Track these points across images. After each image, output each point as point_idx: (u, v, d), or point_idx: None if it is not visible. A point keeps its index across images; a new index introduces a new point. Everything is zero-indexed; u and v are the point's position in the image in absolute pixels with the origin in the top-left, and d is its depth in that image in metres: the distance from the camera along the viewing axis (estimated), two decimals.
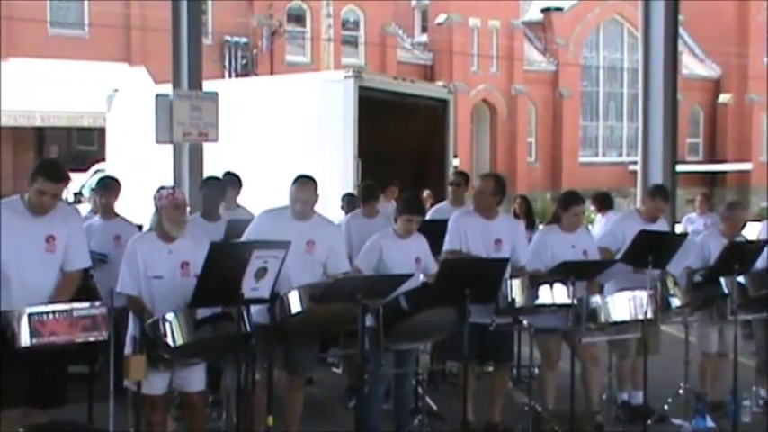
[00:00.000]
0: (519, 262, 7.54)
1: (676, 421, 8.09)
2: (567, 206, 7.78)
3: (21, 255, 5.74)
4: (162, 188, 6.34)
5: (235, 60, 34.18)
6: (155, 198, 6.24)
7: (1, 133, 28.95)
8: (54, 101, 28.07)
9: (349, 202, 10.47)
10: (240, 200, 9.24)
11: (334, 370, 9.77)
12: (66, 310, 5.49)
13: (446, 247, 7.65)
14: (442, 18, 40.85)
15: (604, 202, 12.95)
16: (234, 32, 34.08)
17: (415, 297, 6.76)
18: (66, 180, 5.99)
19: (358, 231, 8.66)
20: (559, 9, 44.85)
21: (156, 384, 6.07)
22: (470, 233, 7.50)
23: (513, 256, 7.46)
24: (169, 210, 6.16)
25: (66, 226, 5.96)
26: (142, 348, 5.81)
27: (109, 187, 8.79)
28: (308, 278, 6.58)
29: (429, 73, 40.22)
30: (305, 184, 6.78)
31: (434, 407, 8.08)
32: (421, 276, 7.22)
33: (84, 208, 10.92)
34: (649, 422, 7.77)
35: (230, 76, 32.59)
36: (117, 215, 8.63)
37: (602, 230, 10.80)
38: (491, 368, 8.10)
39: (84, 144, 31.10)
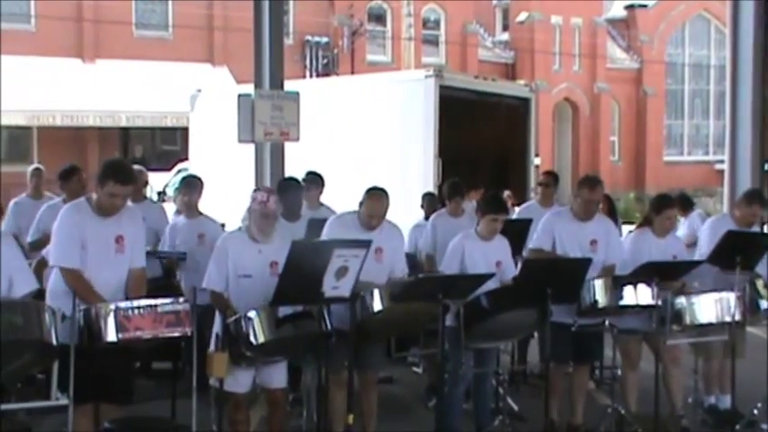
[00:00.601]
0: (610, 261, 7.45)
1: (766, 426, 7.89)
2: (660, 209, 7.60)
3: (93, 256, 5.84)
4: (258, 190, 6.36)
5: (316, 60, 34.36)
6: (251, 197, 6.29)
7: (88, 133, 29.55)
8: (139, 101, 28.53)
9: (429, 202, 10.42)
10: (323, 199, 9.28)
11: (415, 369, 9.74)
12: (150, 306, 5.55)
13: (532, 245, 7.57)
14: (523, 16, 40.57)
15: (685, 204, 12.71)
16: (315, 32, 34.26)
17: (496, 297, 6.70)
18: (135, 180, 6.06)
19: (443, 231, 8.62)
20: (644, 5, 44.25)
21: (239, 382, 6.12)
22: (565, 235, 7.37)
23: (605, 256, 7.38)
24: (258, 216, 6.22)
25: (132, 225, 6.07)
26: (224, 346, 5.86)
27: (192, 186, 8.87)
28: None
29: (510, 71, 39.99)
30: (377, 198, 6.75)
31: (515, 407, 8.02)
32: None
33: (170, 207, 11.05)
34: (738, 427, 7.61)
35: (311, 76, 32.76)
36: (201, 213, 8.72)
37: (686, 231, 10.62)
38: (570, 369, 7.99)
39: (167, 144, 31.56)
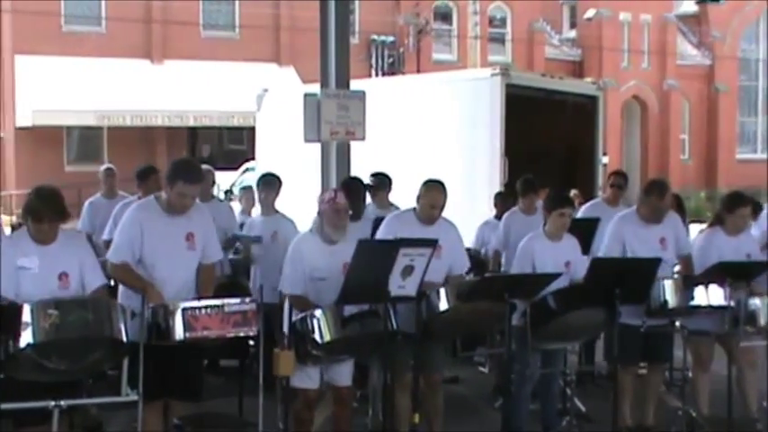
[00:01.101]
0: (683, 252, 7.36)
1: None
2: (733, 208, 7.45)
3: (165, 254, 5.92)
4: (324, 191, 6.39)
5: (381, 59, 34.41)
6: (318, 201, 6.31)
7: (156, 133, 29.93)
8: (206, 101, 28.83)
9: (502, 200, 10.34)
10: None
11: (481, 369, 9.70)
12: (217, 306, 5.60)
13: (602, 253, 7.43)
14: (591, 13, 40.21)
15: (755, 206, 12.40)
16: (381, 31, 34.32)
17: (564, 297, 6.64)
18: (204, 180, 6.13)
19: (516, 228, 8.58)
20: (716, 0, 43.53)
21: (305, 380, 6.15)
22: (634, 239, 7.22)
23: (676, 250, 7.29)
24: (330, 214, 6.23)
25: (201, 222, 6.14)
26: (291, 344, 5.88)
27: (270, 184, 8.94)
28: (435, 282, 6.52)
29: (578, 69, 39.65)
30: (434, 189, 6.73)
31: (583, 408, 7.94)
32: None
33: (237, 206, 11.14)
34: None
35: (377, 75, 32.82)
36: (277, 211, 8.77)
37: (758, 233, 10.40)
38: (643, 370, 7.87)
39: (234, 143, 31.84)
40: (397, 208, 8.85)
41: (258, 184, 9.07)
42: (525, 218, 8.91)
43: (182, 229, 5.98)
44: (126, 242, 5.94)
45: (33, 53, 28.13)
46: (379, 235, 6.85)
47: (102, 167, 10.47)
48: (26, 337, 5.11)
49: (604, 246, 7.44)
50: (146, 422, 5.64)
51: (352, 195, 8.16)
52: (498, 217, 9.73)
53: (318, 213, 6.31)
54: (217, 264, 6.47)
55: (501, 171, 12.92)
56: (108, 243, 8.56)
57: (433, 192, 6.71)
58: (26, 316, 5.11)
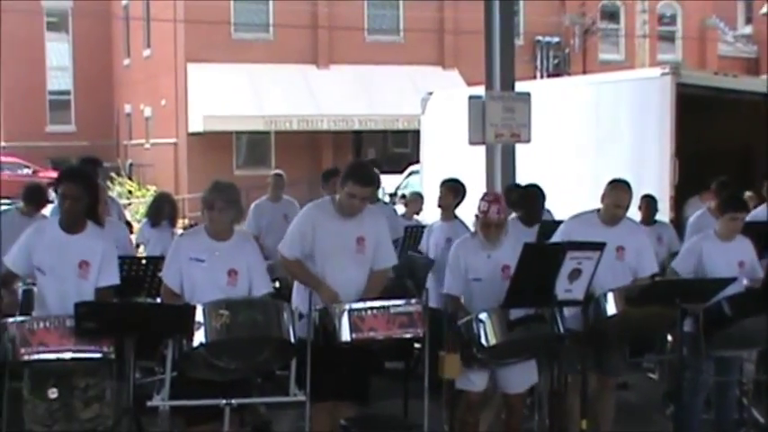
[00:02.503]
0: None
1: None
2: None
3: (333, 255, 5.97)
4: (483, 198, 6.34)
5: (547, 60, 34.09)
6: (477, 205, 6.29)
7: (322, 137, 30.43)
8: (371, 105, 29.14)
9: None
10: (551, 201, 9.13)
11: (651, 375, 9.45)
12: (384, 307, 5.63)
13: None
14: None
15: None
16: (546, 32, 33.99)
17: (739, 302, 6.41)
18: (376, 183, 6.15)
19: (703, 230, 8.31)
20: None
21: (472, 382, 6.12)
22: None
23: None
24: (480, 225, 6.25)
25: (373, 227, 6.15)
26: (456, 347, 5.86)
27: (452, 189, 8.96)
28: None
29: (753, 66, 38.29)
30: (620, 188, 6.60)
31: (761, 419, 7.62)
32: (744, 281, 6.81)
33: (400, 209, 11.23)
34: None
35: (542, 77, 32.51)
36: (456, 217, 8.74)
37: None
38: None
39: (398, 146, 32.08)
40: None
41: (441, 188, 9.06)
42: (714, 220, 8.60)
43: (352, 233, 6.03)
44: (298, 238, 6.03)
45: (204, 61, 29.04)
46: (557, 237, 6.73)
47: (272, 173, 10.80)
48: (199, 337, 5.27)
49: None
50: (313, 422, 5.71)
51: (528, 202, 8.09)
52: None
53: (476, 216, 6.29)
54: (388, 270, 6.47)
55: (671, 173, 12.59)
56: None
57: (619, 191, 6.58)
58: (199, 316, 5.26)
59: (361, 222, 6.06)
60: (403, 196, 15.94)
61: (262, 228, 9.89)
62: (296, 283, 6.19)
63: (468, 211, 8.79)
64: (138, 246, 9.43)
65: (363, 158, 30.53)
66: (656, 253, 7.26)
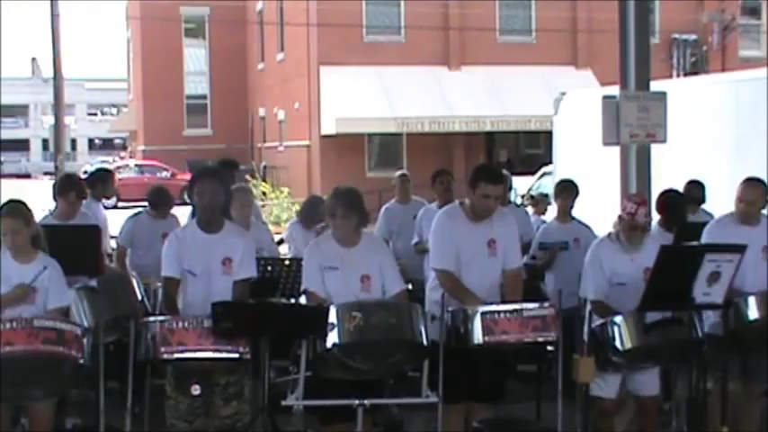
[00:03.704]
0: None
1: None
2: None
3: (467, 258, 5.98)
4: (630, 199, 6.22)
5: (683, 58, 33.33)
6: (621, 206, 6.20)
7: (453, 139, 30.43)
8: (503, 106, 28.99)
9: None
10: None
11: None
12: (516, 310, 5.61)
13: None
14: None
15: None
16: (682, 30, 33.24)
17: None
18: (505, 181, 6.14)
19: None
20: None
21: (606, 387, 6.03)
22: None
23: None
24: (626, 227, 6.13)
25: (504, 228, 6.14)
26: (591, 351, 5.78)
27: (567, 190, 8.88)
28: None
29: None
30: (753, 185, 6.44)
31: None
32: None
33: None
34: None
35: (678, 75, 31.82)
36: (573, 218, 8.69)
37: None
38: None
39: (531, 147, 31.84)
40: (708, 214, 8.43)
41: (555, 190, 9.00)
42: None
43: (484, 236, 6.03)
44: (444, 248, 6.06)
45: (336, 64, 29.37)
46: (704, 240, 6.57)
47: (397, 173, 10.67)
48: (332, 338, 5.33)
49: None
50: (446, 424, 5.72)
51: (667, 208, 7.94)
52: None
53: (619, 218, 6.18)
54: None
55: None
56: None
57: (751, 188, 6.42)
58: (332, 317, 5.33)
59: (492, 225, 6.05)
60: (531, 197, 15.83)
61: (392, 232, 9.80)
62: (429, 285, 6.21)
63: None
64: (280, 243, 9.45)
65: (494, 160, 30.49)
66: None
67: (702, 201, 8.85)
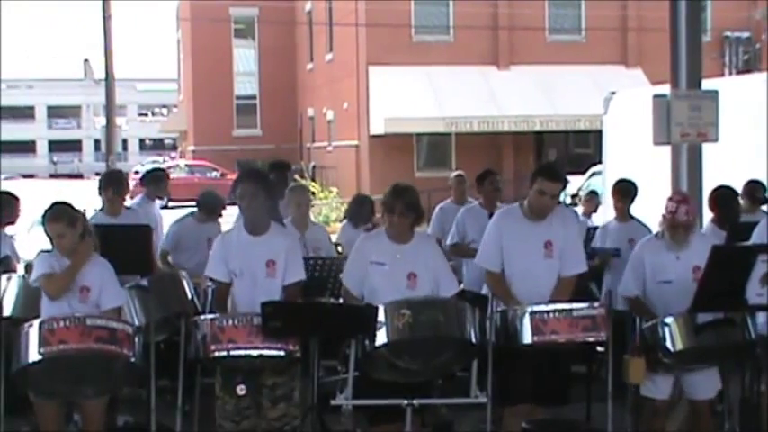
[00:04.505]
0: None
1: None
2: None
3: (522, 259, 5.95)
4: (671, 198, 6.18)
5: (736, 57, 32.97)
6: (665, 205, 6.15)
7: (502, 139, 30.33)
8: (552, 105, 28.84)
9: None
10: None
11: None
12: (566, 310, 5.58)
13: None
14: None
15: None
16: (735, 28, 32.86)
17: None
18: (564, 180, 6.11)
19: None
20: None
21: (657, 388, 5.97)
22: None
23: None
24: (668, 226, 6.09)
25: (562, 231, 6.10)
26: (641, 351, 5.74)
27: (625, 191, 8.82)
28: None
29: None
30: None
31: None
32: None
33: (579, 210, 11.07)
34: None
35: (730, 74, 31.47)
36: (632, 218, 8.63)
37: None
38: None
39: (580, 147, 31.64)
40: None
41: (612, 190, 8.92)
42: None
43: (540, 237, 6.01)
44: (490, 247, 6.09)
45: (385, 64, 29.39)
46: (754, 237, 6.52)
47: (453, 174, 10.69)
48: (381, 337, 5.34)
49: None
50: (507, 425, 5.70)
51: (723, 206, 7.84)
52: None
53: (663, 217, 6.14)
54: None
55: None
56: (452, 247, 8.81)
57: None
58: (380, 316, 5.34)
59: (550, 226, 6.02)
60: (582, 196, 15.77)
61: (445, 231, 9.79)
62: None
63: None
64: (336, 246, 9.50)
65: (544, 160, 30.30)
66: None
67: (764, 201, 8.71)
